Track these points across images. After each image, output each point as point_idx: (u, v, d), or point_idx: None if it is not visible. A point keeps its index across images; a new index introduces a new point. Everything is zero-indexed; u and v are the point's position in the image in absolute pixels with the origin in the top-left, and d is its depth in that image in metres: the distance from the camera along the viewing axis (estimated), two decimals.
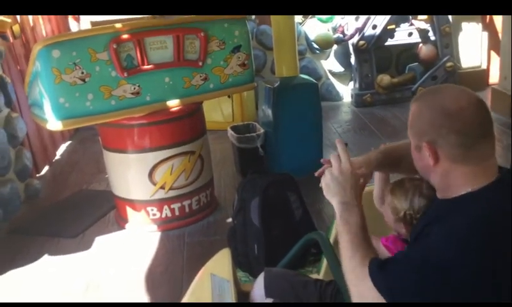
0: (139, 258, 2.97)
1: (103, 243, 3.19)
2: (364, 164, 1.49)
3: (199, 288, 1.78)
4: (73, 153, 4.92)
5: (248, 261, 2.63)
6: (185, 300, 1.85)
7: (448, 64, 5.59)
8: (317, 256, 2.53)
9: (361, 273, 1.17)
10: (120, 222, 3.39)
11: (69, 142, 5.22)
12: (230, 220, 3.28)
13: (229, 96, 5.00)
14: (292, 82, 3.88)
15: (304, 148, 3.85)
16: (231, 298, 1.62)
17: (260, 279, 1.71)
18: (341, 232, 1.27)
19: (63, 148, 5.06)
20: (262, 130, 3.94)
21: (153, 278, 2.74)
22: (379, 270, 1.14)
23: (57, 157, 4.85)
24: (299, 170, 3.34)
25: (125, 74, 2.97)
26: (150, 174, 3.17)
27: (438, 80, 5.61)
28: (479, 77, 5.77)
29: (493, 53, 5.75)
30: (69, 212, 3.61)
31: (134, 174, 3.21)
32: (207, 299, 1.59)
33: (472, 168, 1.19)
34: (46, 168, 4.49)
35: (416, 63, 5.71)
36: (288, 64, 3.90)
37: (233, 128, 4.08)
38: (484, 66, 5.81)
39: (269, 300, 1.57)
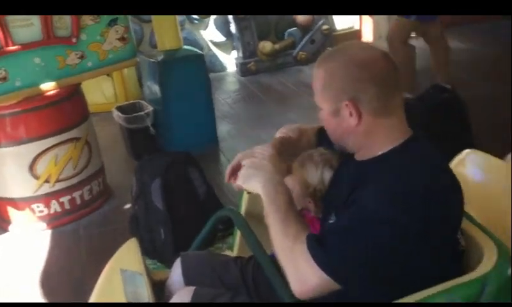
0: (30, 261, 2.68)
1: None
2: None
3: (108, 286, 1.61)
4: None
5: (154, 248, 2.49)
6: (92, 300, 1.67)
7: (324, 27, 5.75)
8: (225, 232, 2.47)
9: (299, 250, 1.09)
10: (2, 224, 3.02)
11: None
12: (128, 206, 3.08)
13: (109, 75, 4.67)
14: (176, 54, 3.70)
15: (197, 123, 3.74)
16: (147, 292, 1.47)
17: (177, 265, 1.59)
18: (269, 212, 1.19)
19: None
20: (150, 108, 3.74)
21: (49, 281, 2.49)
22: (318, 246, 1.08)
23: None
24: (194, 146, 3.25)
25: None
26: (31, 168, 2.85)
27: (316, 43, 5.77)
28: (353, 37, 6.03)
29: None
30: None
31: (11, 170, 2.86)
32: (120, 297, 1.43)
33: (393, 121, 1.18)
34: None
35: (295, 28, 5.79)
36: (170, 36, 3.71)
37: (119, 109, 3.81)
38: (356, 27, 6.08)
39: (190, 288, 1.46)
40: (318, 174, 1.49)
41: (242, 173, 1.30)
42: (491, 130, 3.36)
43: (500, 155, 1.86)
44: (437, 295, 1.14)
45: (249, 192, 1.75)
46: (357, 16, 6.02)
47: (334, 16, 5.97)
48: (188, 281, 1.51)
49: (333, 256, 1.06)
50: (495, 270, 1.20)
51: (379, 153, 1.19)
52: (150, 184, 2.44)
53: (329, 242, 1.08)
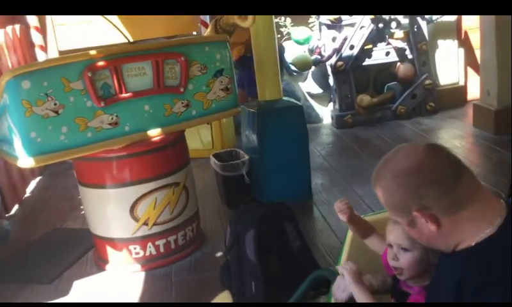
0: (123, 302, 2.72)
1: (82, 287, 2.93)
2: None
3: None
4: (45, 190, 4.63)
5: (243, 300, 2.43)
6: None
7: (427, 82, 5.56)
8: (317, 291, 2.37)
9: None
10: (100, 264, 3.14)
11: (39, 177, 4.92)
12: (219, 254, 3.08)
13: (208, 123, 4.83)
14: (276, 105, 3.74)
15: (292, 173, 3.71)
16: None
17: None
18: None
19: (33, 184, 4.77)
20: (246, 157, 3.77)
21: None
22: None
23: (28, 194, 4.55)
24: (288, 197, 3.19)
25: (102, 104, 2.77)
26: (132, 210, 2.95)
27: (418, 97, 5.58)
28: (457, 94, 5.77)
29: (469, 69, 5.77)
30: (43, 255, 3.33)
31: (113, 211, 2.98)
32: None
33: (474, 210, 1.09)
34: (16, 207, 4.19)
35: (395, 82, 5.67)
36: (271, 87, 3.77)
37: (216, 156, 3.90)
38: (461, 83, 5.82)
39: None
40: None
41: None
42: None
43: None
44: None
45: None
46: (462, 73, 5.77)
47: (438, 72, 5.76)
48: None
49: None
50: None
51: (473, 243, 1.09)
52: (244, 235, 2.42)
53: None
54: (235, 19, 3.27)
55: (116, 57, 2.84)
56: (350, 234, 1.87)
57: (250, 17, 3.24)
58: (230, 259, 2.51)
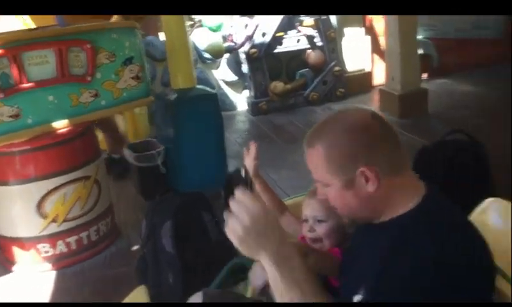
0: (35, 302, 2.58)
1: None
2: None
3: None
4: None
5: (160, 292, 2.39)
6: None
7: (336, 68, 5.76)
8: (235, 278, 2.38)
9: None
10: (6, 265, 2.94)
11: None
12: (135, 248, 3.01)
13: (120, 113, 4.66)
14: (189, 93, 3.68)
15: (208, 162, 3.68)
16: None
17: (196, 299, 1.50)
18: (285, 288, 1.03)
19: None
20: (161, 147, 3.70)
21: None
22: None
23: None
24: (204, 186, 3.17)
25: (1, 95, 2.58)
26: (39, 207, 2.79)
27: (328, 84, 5.76)
28: (364, 80, 6.03)
29: (375, 56, 6.04)
30: None
31: (18, 209, 2.81)
32: None
33: (406, 178, 1.14)
34: None
35: (307, 69, 5.81)
36: (184, 74, 3.70)
37: (130, 147, 3.78)
38: (368, 69, 6.09)
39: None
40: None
41: (236, 237, 1.04)
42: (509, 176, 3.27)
43: None
44: None
45: None
46: (369, 59, 6.03)
47: (346, 59, 5.98)
48: None
49: None
50: None
51: (395, 215, 1.12)
52: (160, 226, 2.36)
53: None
54: None
55: (15, 44, 2.65)
56: None
57: None
58: (147, 251, 2.45)
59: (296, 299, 1.02)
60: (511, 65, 5.32)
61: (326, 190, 1.16)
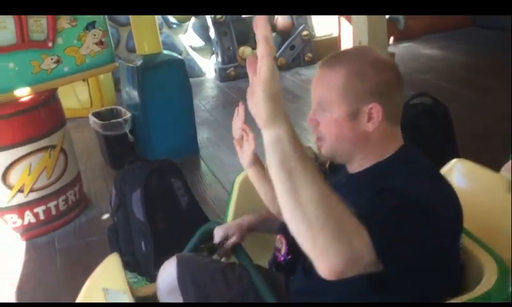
0: (3, 275, 2.54)
1: None
2: (236, 232, 1.52)
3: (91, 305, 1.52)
4: None
5: (134, 260, 2.39)
6: None
7: (304, 33, 5.74)
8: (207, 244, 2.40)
9: (350, 221, 0.85)
10: None
11: None
12: (105, 217, 2.99)
13: (84, 80, 4.54)
14: (156, 59, 3.61)
15: (177, 129, 3.65)
16: None
17: (169, 266, 1.50)
18: (291, 156, 0.83)
19: None
20: (128, 114, 3.63)
21: (24, 296, 2.37)
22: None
23: None
24: (174, 153, 3.16)
25: None
26: (4, 178, 2.72)
27: (296, 49, 5.75)
28: (332, 44, 6.02)
29: (343, 20, 6.03)
30: None
31: None
32: None
33: (397, 129, 1.16)
34: None
35: (274, 33, 5.76)
36: (149, 40, 3.61)
37: (96, 115, 3.70)
38: (335, 34, 6.08)
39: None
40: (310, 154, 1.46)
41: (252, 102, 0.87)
42: (474, 138, 3.37)
43: (486, 165, 1.84)
44: None
45: None
46: (336, 22, 6.02)
47: (314, 23, 5.96)
48: (181, 281, 1.44)
49: (387, 235, 0.90)
50: (496, 288, 1.17)
51: (373, 163, 1.14)
52: (130, 195, 2.35)
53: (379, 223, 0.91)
54: None
55: None
56: (237, 183, 1.90)
57: None
58: (117, 220, 2.43)
59: (309, 181, 0.83)
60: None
61: (323, 115, 1.14)
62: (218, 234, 1.57)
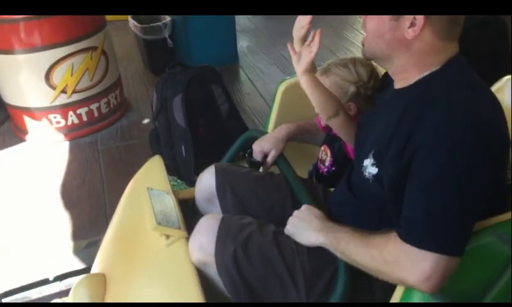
0: (49, 173, 2.65)
1: (2, 159, 2.79)
2: (273, 147, 1.53)
3: (135, 204, 1.57)
4: None
5: (175, 164, 2.44)
6: (117, 217, 1.65)
7: None
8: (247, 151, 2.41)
9: (395, 256, 1.00)
10: (19, 134, 2.99)
11: None
12: (146, 121, 3.03)
13: None
14: None
15: (217, 36, 3.58)
16: (175, 211, 1.44)
17: (209, 174, 1.52)
18: (344, 253, 1.13)
19: None
20: (168, 18, 3.57)
21: (70, 193, 2.47)
22: (416, 231, 0.98)
23: None
24: (213, 60, 3.10)
25: None
26: (47, 77, 2.76)
27: None
28: None
29: None
30: None
31: (27, 79, 2.77)
32: (150, 216, 1.39)
33: (449, 47, 1.07)
34: None
35: None
36: None
37: (135, 18, 3.65)
38: None
39: (217, 216, 1.40)
40: (353, 72, 1.41)
41: (292, 229, 1.25)
42: None
43: None
44: (485, 232, 1.08)
45: None
46: None
47: None
48: (220, 190, 1.46)
49: (438, 231, 0.97)
50: None
51: (419, 77, 1.08)
52: (171, 99, 2.35)
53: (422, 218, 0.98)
54: None
55: None
56: (280, 93, 1.87)
57: None
58: (158, 124, 2.46)
59: (354, 251, 1.10)
60: None
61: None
62: (256, 151, 1.56)
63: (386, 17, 1.06)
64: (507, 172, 1.16)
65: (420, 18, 1.02)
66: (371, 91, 1.42)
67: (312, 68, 1.30)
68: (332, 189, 1.49)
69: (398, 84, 1.15)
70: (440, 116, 0.97)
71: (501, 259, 1.06)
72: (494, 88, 1.85)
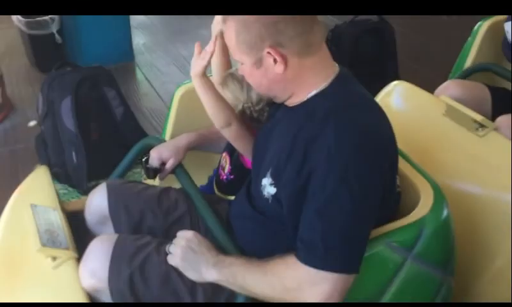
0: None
1: None
2: (172, 155, 1.46)
3: (18, 223, 1.42)
4: None
5: (65, 172, 2.28)
6: None
7: None
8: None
9: (295, 281, 1.02)
10: None
11: None
12: (32, 124, 2.82)
13: None
14: None
15: (111, 33, 3.42)
16: (63, 230, 1.33)
17: (100, 193, 1.41)
18: (242, 287, 1.10)
19: None
20: None
21: None
22: (311, 254, 1.00)
23: None
24: (106, 59, 2.99)
25: None
26: None
27: None
28: None
29: None
30: None
31: None
32: (33, 237, 1.27)
33: (318, 59, 1.09)
34: None
35: None
36: None
37: None
38: None
39: (111, 236, 1.31)
40: (244, 92, 1.40)
41: (179, 260, 1.15)
42: (416, 60, 3.41)
43: (425, 87, 1.86)
44: (376, 241, 1.12)
45: None
46: None
47: None
48: (114, 211, 1.37)
49: (336, 252, 0.99)
50: (433, 213, 1.20)
51: (309, 95, 1.10)
52: (59, 103, 2.19)
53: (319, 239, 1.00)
54: None
55: None
56: (177, 98, 1.81)
57: None
58: (45, 129, 2.29)
59: (252, 286, 1.08)
60: None
61: (241, 68, 1.14)
62: (154, 157, 1.50)
63: (252, 69, 1.10)
64: (396, 181, 1.22)
65: (274, 51, 1.05)
66: (257, 114, 1.41)
67: (204, 74, 1.30)
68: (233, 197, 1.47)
69: (288, 102, 1.16)
70: (330, 138, 1.00)
71: (391, 267, 1.13)
72: (383, 92, 1.95)
